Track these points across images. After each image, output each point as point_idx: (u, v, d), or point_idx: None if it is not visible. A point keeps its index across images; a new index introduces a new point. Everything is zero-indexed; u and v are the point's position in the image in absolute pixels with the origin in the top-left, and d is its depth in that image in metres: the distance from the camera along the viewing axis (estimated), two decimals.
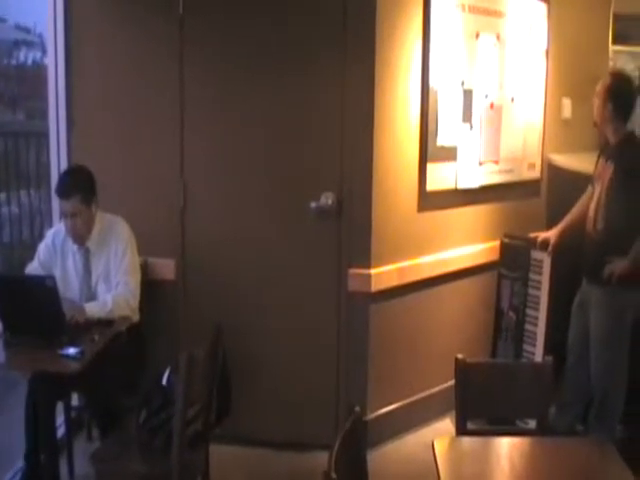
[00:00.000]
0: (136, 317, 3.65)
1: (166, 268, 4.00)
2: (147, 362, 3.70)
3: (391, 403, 4.14)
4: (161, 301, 3.98)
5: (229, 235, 4.01)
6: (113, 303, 3.52)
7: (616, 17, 5.64)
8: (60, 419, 3.66)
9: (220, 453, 3.51)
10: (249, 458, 3.91)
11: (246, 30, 3.88)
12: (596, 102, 3.83)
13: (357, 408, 2.47)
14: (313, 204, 3.87)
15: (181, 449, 2.89)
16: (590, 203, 3.89)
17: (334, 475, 2.02)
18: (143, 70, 3.98)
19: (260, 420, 4.00)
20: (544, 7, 4.79)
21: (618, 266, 3.67)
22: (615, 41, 5.82)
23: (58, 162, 4.14)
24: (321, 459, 2.11)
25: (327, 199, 3.86)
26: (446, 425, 4.21)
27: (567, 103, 5.10)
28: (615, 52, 5.99)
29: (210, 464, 3.34)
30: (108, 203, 3.72)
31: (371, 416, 4.01)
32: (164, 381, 3.24)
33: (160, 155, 4.01)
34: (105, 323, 3.44)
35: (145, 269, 3.88)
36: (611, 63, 5.71)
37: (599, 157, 3.93)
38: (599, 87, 3.82)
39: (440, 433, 4.06)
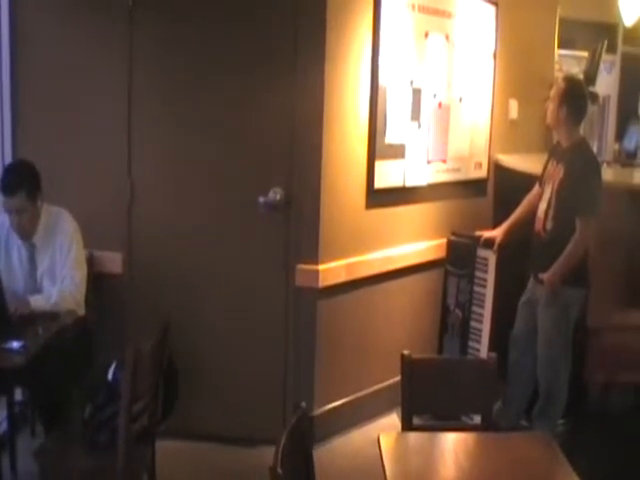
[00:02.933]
0: (82, 311, 3.60)
1: (113, 261, 3.97)
2: (93, 356, 3.65)
3: (338, 399, 4.15)
4: (107, 295, 3.94)
5: (177, 229, 3.99)
6: (58, 296, 3.48)
7: (562, 22, 5.75)
8: (3, 414, 3.61)
9: (166, 449, 3.48)
10: (196, 453, 3.89)
11: (195, 28, 3.86)
12: (550, 106, 3.90)
13: (303, 404, 2.47)
14: (261, 199, 3.86)
15: (126, 445, 2.86)
16: (539, 203, 3.97)
17: (280, 470, 2.02)
18: (90, 66, 3.94)
19: (207, 415, 3.99)
20: (493, 9, 4.86)
21: (551, 276, 3.76)
22: (561, 45, 5.94)
23: (2, 157, 4.06)
24: (268, 454, 2.10)
25: (276, 194, 3.86)
26: (392, 420, 4.25)
27: (514, 104, 5.19)
28: (561, 56, 6.13)
29: (156, 460, 3.31)
30: (54, 196, 3.66)
31: (318, 411, 4.03)
32: (110, 376, 3.21)
33: (107, 149, 3.97)
34: (50, 317, 3.39)
35: (91, 262, 3.84)
36: (557, 66, 5.83)
37: (549, 158, 4.01)
38: (553, 91, 3.91)
39: (386, 428, 4.08)
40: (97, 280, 3.84)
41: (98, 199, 3.97)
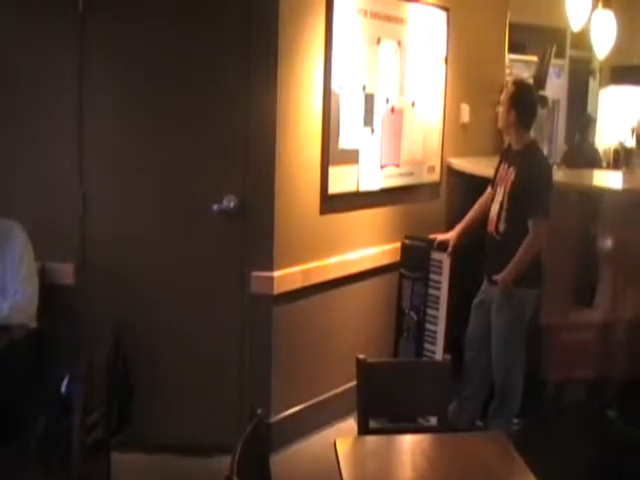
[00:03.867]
0: (34, 324, 3.56)
1: (65, 273, 3.91)
2: (45, 369, 3.60)
3: (295, 405, 4.15)
4: (60, 306, 3.87)
5: (130, 238, 3.94)
6: (10, 310, 3.44)
7: (512, 27, 5.84)
8: None
9: (122, 461, 3.46)
10: (151, 465, 3.85)
11: (148, 34, 3.83)
12: (501, 109, 3.96)
13: (259, 410, 2.47)
14: (215, 207, 3.84)
15: (81, 458, 2.84)
16: (491, 205, 4.01)
17: (236, 479, 2.02)
18: (40, 72, 3.88)
19: (163, 425, 3.94)
20: (444, 15, 4.90)
21: (505, 277, 3.81)
22: (511, 50, 6.03)
23: None
24: (225, 463, 2.10)
25: (230, 202, 3.85)
26: (350, 425, 4.24)
27: (465, 108, 5.25)
28: (511, 60, 6.22)
29: (112, 472, 3.28)
30: (3, 208, 3.61)
31: (275, 418, 4.02)
32: (63, 389, 3.17)
33: (58, 158, 3.91)
34: (1, 330, 3.34)
35: (43, 274, 3.78)
36: (507, 71, 5.91)
37: (501, 161, 4.07)
38: (503, 95, 3.97)
39: (344, 433, 4.08)
40: (49, 292, 3.78)
41: (49, 210, 3.91)
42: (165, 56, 3.85)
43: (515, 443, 2.70)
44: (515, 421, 4.03)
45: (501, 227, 3.91)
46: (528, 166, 3.86)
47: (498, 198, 3.96)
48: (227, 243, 3.91)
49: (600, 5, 6.02)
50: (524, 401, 3.99)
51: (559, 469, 3.49)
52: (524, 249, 3.78)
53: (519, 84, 4.07)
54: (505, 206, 3.88)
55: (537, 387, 4.36)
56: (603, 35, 6.11)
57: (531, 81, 5.50)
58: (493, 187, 4.08)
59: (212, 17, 3.83)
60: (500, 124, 4.05)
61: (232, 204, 3.85)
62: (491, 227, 3.97)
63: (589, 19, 5.97)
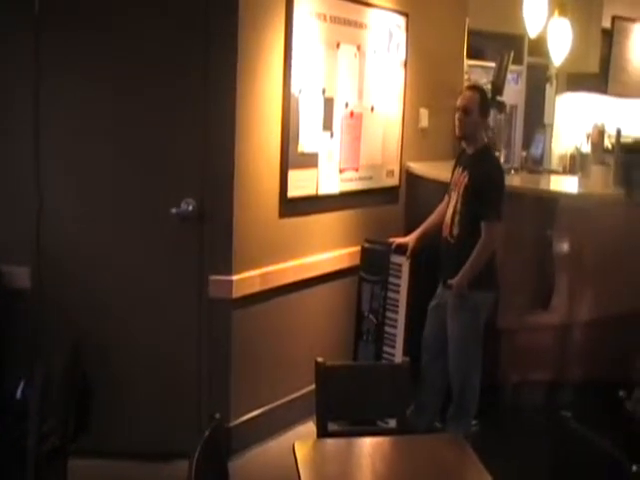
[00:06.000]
0: None
1: (20, 276, 3.84)
2: (0, 374, 3.55)
3: (254, 409, 4.13)
4: (16, 311, 3.82)
5: (88, 242, 3.90)
6: None
7: (471, 33, 5.90)
8: None
9: (80, 468, 3.38)
10: (110, 471, 3.79)
11: (105, 35, 3.80)
12: (461, 115, 3.92)
13: (217, 415, 2.48)
14: (174, 210, 3.81)
15: (36, 466, 2.79)
16: (447, 209, 4.04)
17: None
18: None
19: (121, 431, 3.90)
20: (403, 20, 4.93)
21: (459, 281, 3.83)
22: (470, 56, 6.09)
23: None
24: (184, 468, 2.09)
25: (188, 205, 3.82)
26: (310, 428, 4.23)
27: (424, 113, 5.28)
28: (470, 66, 6.28)
29: None
30: None
31: (234, 422, 3.99)
32: (18, 394, 3.12)
33: (14, 160, 3.86)
34: None
35: None
36: (466, 76, 5.97)
37: (456, 165, 4.09)
38: (465, 102, 3.92)
39: (304, 437, 4.07)
40: (4, 296, 3.72)
41: (4, 212, 3.86)
42: (123, 58, 3.80)
43: (473, 445, 2.73)
44: (473, 423, 4.06)
45: (455, 231, 3.93)
46: (481, 169, 3.89)
47: (452, 202, 3.98)
48: (185, 247, 3.88)
49: (556, 13, 6.13)
50: (482, 403, 4.02)
51: (516, 470, 3.55)
52: (477, 252, 3.81)
53: (480, 89, 4.10)
54: (459, 209, 3.91)
55: (495, 389, 4.41)
56: (559, 42, 6.21)
57: (489, 87, 5.56)
58: (448, 191, 4.11)
59: (170, 21, 3.80)
60: (462, 131, 3.94)
61: (190, 207, 3.83)
62: (446, 231, 4.00)
63: (546, 26, 6.07)
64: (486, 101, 4.02)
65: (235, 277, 3.89)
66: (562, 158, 7.44)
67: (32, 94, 3.79)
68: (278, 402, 4.28)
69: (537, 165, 6.57)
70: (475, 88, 4.15)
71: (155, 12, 3.81)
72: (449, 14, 5.53)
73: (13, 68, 3.82)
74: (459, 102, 3.95)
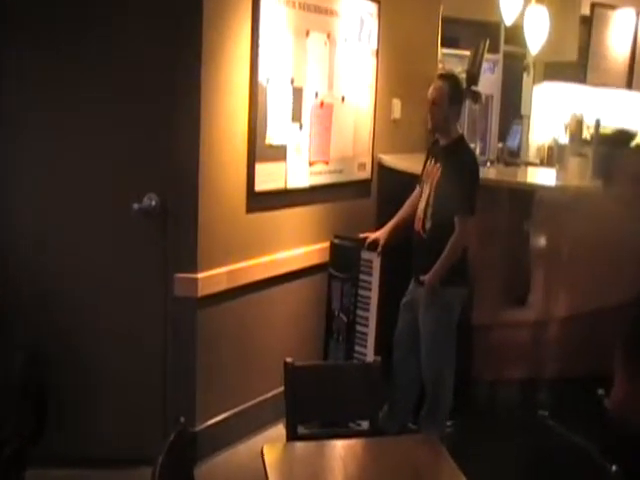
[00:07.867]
0: None
1: None
2: None
3: (221, 412, 4.03)
4: None
5: (47, 240, 3.77)
6: None
7: (445, 21, 5.79)
8: None
9: (38, 477, 3.31)
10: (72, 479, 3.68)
11: (69, 30, 3.67)
12: (430, 106, 3.83)
13: (182, 419, 2.40)
14: (136, 206, 3.69)
15: None
16: (419, 203, 3.93)
17: None
18: None
19: (83, 437, 3.79)
20: (375, 7, 4.82)
21: (431, 277, 3.74)
22: (444, 44, 5.98)
23: None
24: (149, 475, 2.04)
25: (151, 200, 3.70)
26: (279, 431, 4.15)
27: (397, 104, 5.17)
28: (444, 55, 6.17)
29: None
30: None
31: (200, 426, 3.89)
32: None
33: None
34: None
35: None
36: (440, 65, 5.85)
37: (428, 157, 3.99)
38: (436, 92, 3.81)
39: (273, 440, 3.99)
40: None
41: None
42: (84, 51, 3.68)
43: (447, 445, 2.70)
44: (448, 424, 4.00)
45: (427, 225, 3.83)
46: (454, 162, 3.79)
47: (425, 195, 3.88)
48: (149, 244, 3.77)
49: (533, 0, 6.04)
50: (456, 402, 3.95)
51: (491, 470, 3.48)
52: (450, 247, 3.72)
53: (450, 77, 3.97)
54: (431, 203, 3.81)
55: (469, 387, 4.34)
56: (536, 31, 6.12)
57: (464, 76, 5.45)
58: (420, 184, 3.99)
59: (133, 9, 3.68)
60: (434, 123, 3.87)
61: (153, 203, 3.71)
62: (418, 225, 3.89)
63: (522, 14, 5.98)
64: (457, 89, 3.88)
65: (201, 275, 3.78)
66: (539, 150, 7.37)
67: None
68: (246, 404, 4.18)
69: (514, 157, 6.51)
70: (443, 77, 3.98)
71: (118, 1, 3.70)
72: (422, 1, 5.44)
73: None
74: (429, 93, 3.85)
